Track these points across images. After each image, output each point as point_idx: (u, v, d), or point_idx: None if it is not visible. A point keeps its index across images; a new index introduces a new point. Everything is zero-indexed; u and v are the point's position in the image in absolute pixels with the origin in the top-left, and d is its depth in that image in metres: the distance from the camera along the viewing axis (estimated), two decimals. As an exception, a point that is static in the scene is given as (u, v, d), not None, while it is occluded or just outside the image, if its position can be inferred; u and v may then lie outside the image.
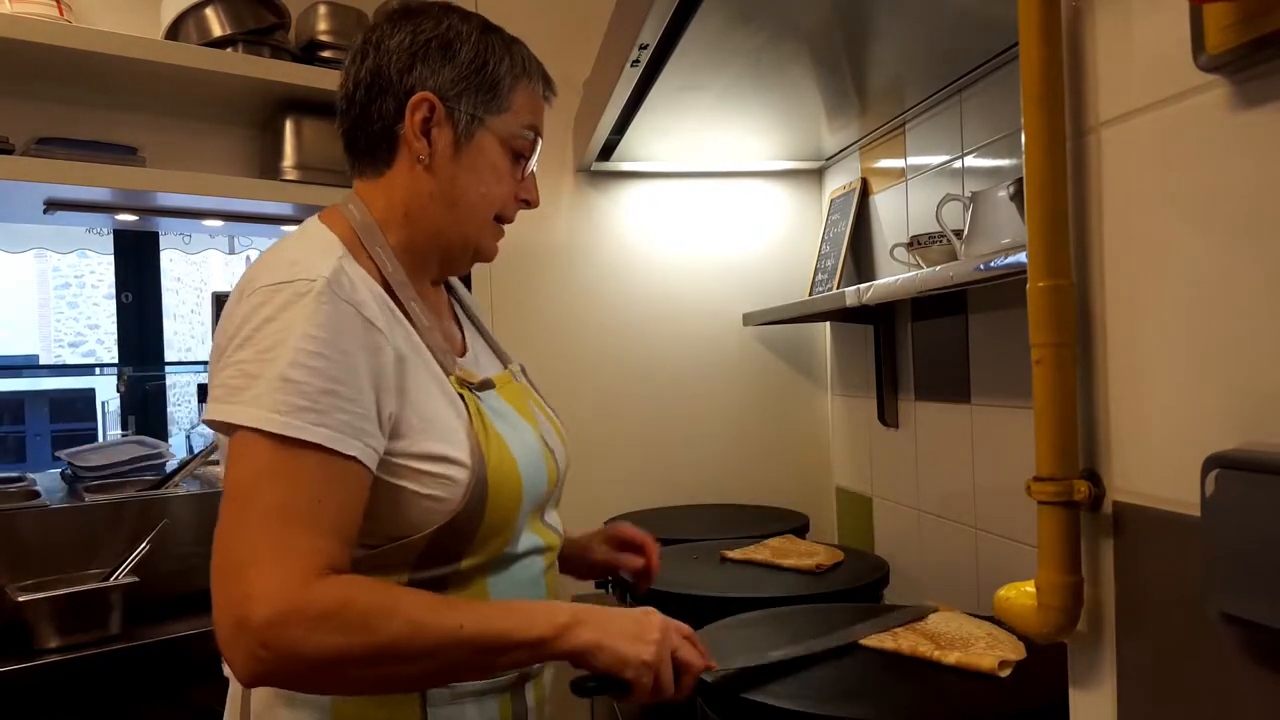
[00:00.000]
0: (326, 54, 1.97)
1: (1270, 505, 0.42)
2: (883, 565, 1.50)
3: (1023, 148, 0.58)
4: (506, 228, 1.06)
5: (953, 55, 1.37)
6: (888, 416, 1.79)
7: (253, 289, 0.85)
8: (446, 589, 0.92)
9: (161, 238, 2.75)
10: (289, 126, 1.96)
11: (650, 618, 0.90)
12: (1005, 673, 0.96)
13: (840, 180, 2.01)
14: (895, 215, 1.76)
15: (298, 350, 0.81)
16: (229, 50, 1.85)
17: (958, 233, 1.30)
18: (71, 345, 12.16)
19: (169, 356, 2.98)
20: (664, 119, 1.66)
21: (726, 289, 2.08)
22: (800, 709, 0.90)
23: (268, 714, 0.91)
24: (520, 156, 1.02)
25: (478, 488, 0.90)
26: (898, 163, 1.74)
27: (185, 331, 11.03)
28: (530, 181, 1.05)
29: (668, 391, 2.06)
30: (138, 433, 2.54)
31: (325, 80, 1.87)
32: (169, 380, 2.92)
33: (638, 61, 1.33)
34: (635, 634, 0.87)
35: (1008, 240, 1.16)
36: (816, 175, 2.13)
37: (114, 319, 2.66)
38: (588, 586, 1.77)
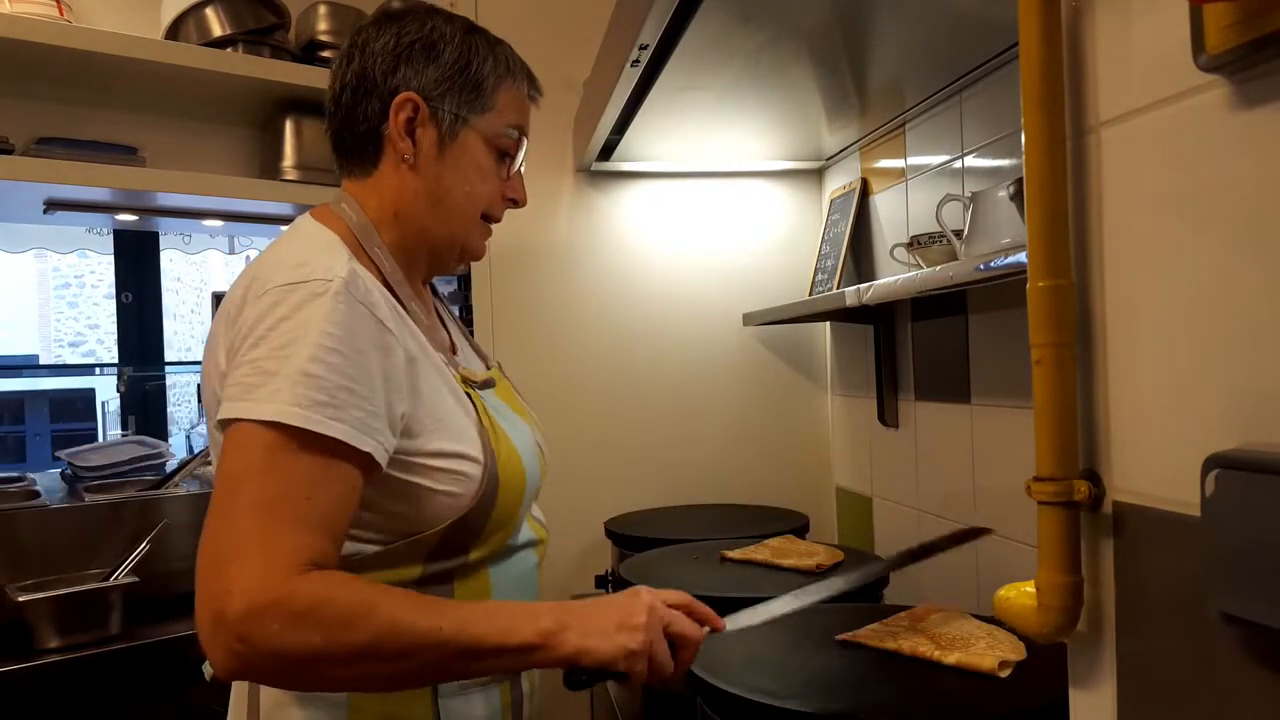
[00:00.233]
0: (326, 54, 1.98)
1: (1270, 505, 0.42)
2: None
3: (1023, 148, 0.58)
4: (508, 228, 1.07)
5: (953, 55, 1.37)
6: (888, 416, 1.79)
7: (263, 290, 0.85)
8: (453, 581, 0.94)
9: (161, 238, 2.75)
10: (289, 126, 1.97)
11: (636, 600, 0.87)
12: (1005, 673, 0.96)
13: (840, 180, 2.01)
14: (895, 215, 1.75)
15: (316, 346, 0.81)
16: (229, 50, 1.86)
17: (958, 233, 1.30)
18: (71, 345, 12.17)
19: (169, 356, 2.97)
20: (664, 119, 1.66)
21: (726, 289, 2.08)
22: (800, 709, 0.89)
23: (278, 713, 0.90)
24: (505, 155, 1.03)
25: (490, 483, 0.93)
26: (898, 163, 1.74)
27: (185, 331, 11.03)
28: (517, 180, 1.06)
29: (668, 391, 2.06)
30: (138, 433, 2.54)
31: (325, 80, 1.85)
32: (169, 380, 2.92)
33: (638, 62, 1.33)
34: (619, 623, 0.85)
35: (1008, 240, 1.16)
36: (816, 175, 2.13)
37: (114, 319, 2.67)
38: (586, 585, 1.77)
